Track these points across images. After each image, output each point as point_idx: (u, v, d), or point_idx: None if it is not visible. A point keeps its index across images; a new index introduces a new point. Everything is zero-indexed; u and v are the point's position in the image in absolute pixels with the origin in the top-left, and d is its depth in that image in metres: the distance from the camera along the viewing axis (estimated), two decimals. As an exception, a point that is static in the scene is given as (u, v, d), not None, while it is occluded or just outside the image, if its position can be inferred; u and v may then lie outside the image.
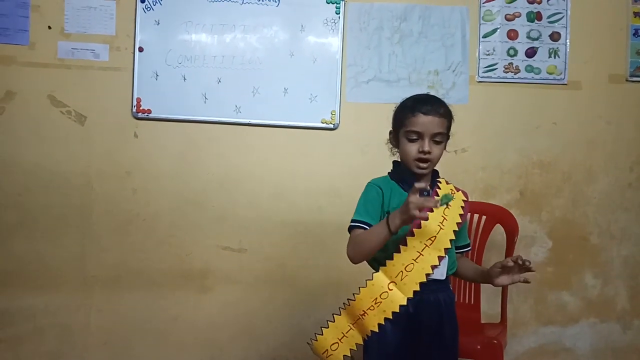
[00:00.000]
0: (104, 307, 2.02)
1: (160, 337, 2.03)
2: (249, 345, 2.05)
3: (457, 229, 1.21)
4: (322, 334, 1.21)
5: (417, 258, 1.16)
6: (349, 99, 2.06)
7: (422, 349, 1.22)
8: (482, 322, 1.85)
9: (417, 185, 1.11)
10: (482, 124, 2.09)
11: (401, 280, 1.15)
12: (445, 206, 1.20)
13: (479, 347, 1.55)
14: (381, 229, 1.16)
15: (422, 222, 1.18)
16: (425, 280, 1.17)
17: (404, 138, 1.25)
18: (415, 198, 1.09)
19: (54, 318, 2.00)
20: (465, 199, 1.29)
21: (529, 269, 1.17)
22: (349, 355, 1.20)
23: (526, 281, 1.19)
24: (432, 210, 1.18)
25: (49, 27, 1.99)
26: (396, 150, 1.32)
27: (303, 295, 2.04)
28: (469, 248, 1.39)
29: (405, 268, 1.15)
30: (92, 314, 2.01)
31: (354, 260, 1.23)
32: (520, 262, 1.16)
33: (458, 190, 1.29)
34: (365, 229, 1.22)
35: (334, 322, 1.21)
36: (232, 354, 2.05)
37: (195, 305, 2.04)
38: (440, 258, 1.18)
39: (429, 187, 1.19)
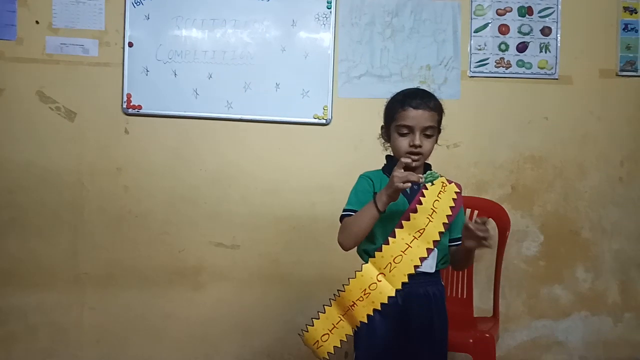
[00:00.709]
0: (97, 304, 2.01)
1: (153, 334, 2.02)
2: (243, 341, 2.05)
3: (447, 221, 1.21)
4: (313, 325, 1.21)
5: (405, 250, 1.17)
6: (341, 95, 2.05)
7: (412, 341, 1.22)
8: (475, 316, 1.85)
9: (403, 159, 1.15)
10: (474, 119, 2.09)
11: (390, 271, 1.16)
12: (436, 199, 1.21)
13: (471, 340, 1.56)
14: (369, 209, 1.19)
15: (411, 214, 1.18)
16: (413, 272, 1.17)
17: (395, 132, 1.26)
18: (399, 172, 1.13)
19: (47, 316, 1.98)
20: (459, 190, 1.29)
21: (485, 238, 1.16)
22: (339, 346, 1.20)
23: (487, 246, 1.18)
24: (423, 195, 1.18)
25: (37, 22, 1.97)
26: (388, 145, 1.33)
27: (296, 292, 2.04)
28: None
29: (393, 260, 1.16)
30: (84, 312, 2.00)
31: (345, 244, 1.24)
32: (478, 221, 1.17)
33: (451, 182, 1.29)
34: None
35: (325, 313, 1.21)
36: (226, 350, 2.04)
37: (188, 302, 2.03)
38: (429, 250, 1.18)
39: (421, 180, 1.19)
